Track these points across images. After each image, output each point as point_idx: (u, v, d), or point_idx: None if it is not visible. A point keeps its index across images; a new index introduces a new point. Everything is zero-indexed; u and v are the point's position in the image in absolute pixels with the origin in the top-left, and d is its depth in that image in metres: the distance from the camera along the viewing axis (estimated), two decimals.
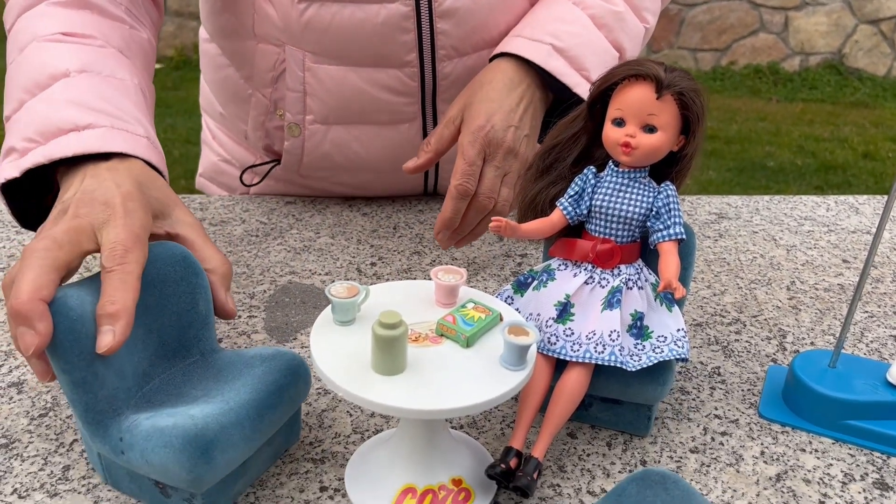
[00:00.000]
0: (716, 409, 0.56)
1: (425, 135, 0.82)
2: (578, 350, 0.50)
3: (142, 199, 0.51)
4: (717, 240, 0.82)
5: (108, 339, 0.43)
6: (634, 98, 0.50)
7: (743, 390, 0.58)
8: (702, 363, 0.62)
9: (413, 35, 0.74)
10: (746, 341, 0.64)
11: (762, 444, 0.53)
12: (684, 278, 0.55)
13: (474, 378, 0.42)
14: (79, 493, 0.47)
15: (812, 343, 0.64)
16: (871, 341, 0.65)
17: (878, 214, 0.90)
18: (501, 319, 0.48)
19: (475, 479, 0.48)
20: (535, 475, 0.47)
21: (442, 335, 0.46)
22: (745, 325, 0.67)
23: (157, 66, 4.61)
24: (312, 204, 0.88)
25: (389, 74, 0.77)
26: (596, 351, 0.49)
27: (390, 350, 0.41)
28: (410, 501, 0.46)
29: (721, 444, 0.53)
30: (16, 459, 0.50)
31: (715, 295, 0.71)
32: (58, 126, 0.56)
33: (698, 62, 4.61)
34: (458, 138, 0.70)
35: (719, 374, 0.60)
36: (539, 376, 0.50)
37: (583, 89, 0.71)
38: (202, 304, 0.50)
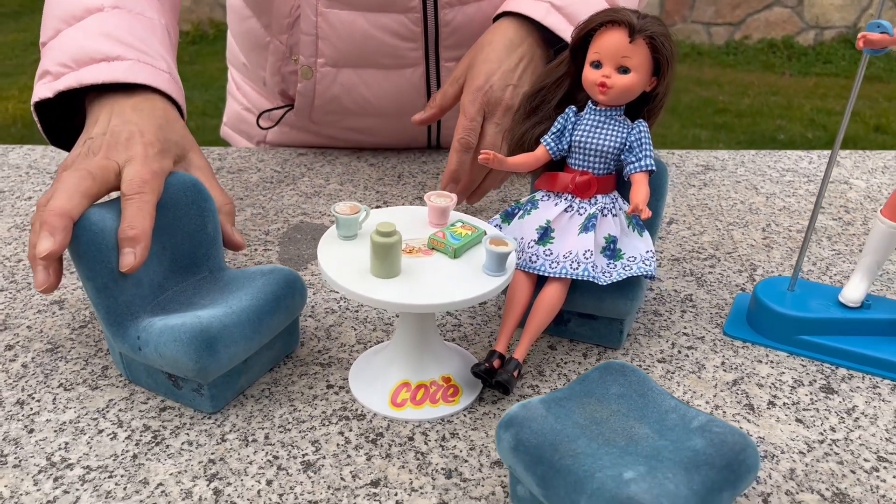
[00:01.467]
0: (685, 328, 0.62)
1: (428, 80, 0.88)
2: (556, 267, 0.56)
3: (162, 145, 0.58)
4: (701, 188, 0.88)
5: (129, 259, 0.50)
6: (610, 42, 0.55)
7: (711, 314, 0.64)
8: (675, 291, 0.67)
9: None
10: (720, 273, 0.70)
11: (723, 356, 0.59)
12: (656, 206, 0.60)
13: (459, 281, 0.49)
14: (116, 387, 0.54)
15: (780, 276, 0.70)
16: (835, 274, 0.70)
17: (857, 167, 0.94)
18: (486, 235, 0.54)
19: (463, 378, 0.54)
20: (514, 374, 0.53)
21: (433, 248, 0.52)
22: (719, 261, 0.72)
23: None
24: (323, 155, 0.94)
25: (394, 19, 0.82)
26: (571, 267, 0.55)
27: (386, 256, 0.48)
28: (405, 394, 0.52)
29: (686, 356, 0.59)
30: (60, 361, 0.56)
31: (694, 235, 0.77)
32: (90, 55, 0.62)
33: (712, 36, 4.60)
34: (461, 97, 0.75)
35: (691, 301, 0.66)
36: (521, 290, 0.56)
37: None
38: (210, 227, 0.56)
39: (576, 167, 0.58)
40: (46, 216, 0.49)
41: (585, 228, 0.57)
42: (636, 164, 0.57)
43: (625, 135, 0.57)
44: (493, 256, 0.49)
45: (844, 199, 0.86)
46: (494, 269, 0.49)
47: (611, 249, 0.57)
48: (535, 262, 0.56)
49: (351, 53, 0.85)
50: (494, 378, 0.52)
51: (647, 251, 0.57)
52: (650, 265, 0.56)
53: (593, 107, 0.58)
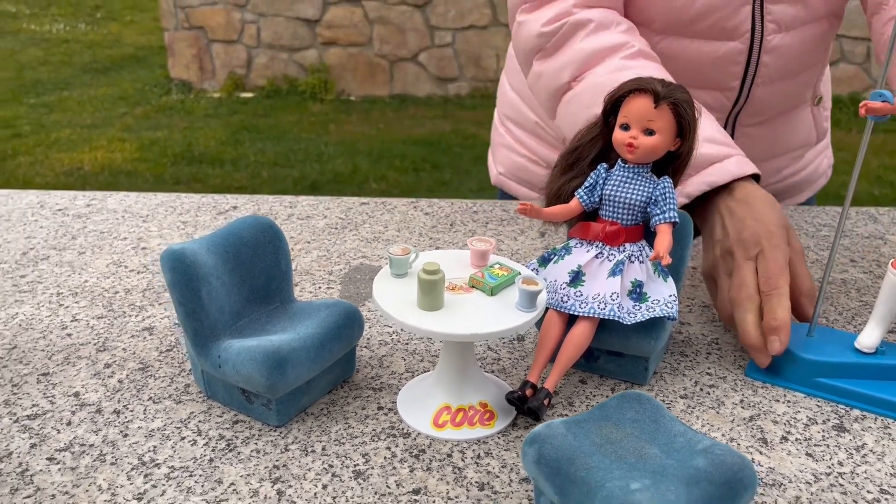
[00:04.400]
0: (708, 369, 0.67)
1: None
2: (585, 307, 0.62)
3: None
4: None
5: (775, 346, 0.62)
6: (637, 107, 0.62)
7: (735, 356, 0.69)
8: (703, 335, 0.72)
9: (742, 66, 0.90)
10: None
11: (742, 395, 0.63)
12: (682, 255, 0.66)
13: (494, 315, 0.55)
14: (196, 401, 0.62)
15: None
16: (860, 324, 0.74)
17: (894, 223, 0.98)
18: (519, 276, 0.60)
19: (498, 404, 0.60)
20: (545, 402, 0.59)
21: (473, 286, 0.59)
22: None
23: (249, 94, 4.95)
24: (383, 204, 1.03)
25: (711, 94, 0.93)
26: (599, 308, 0.61)
27: (431, 291, 0.55)
28: (446, 416, 0.59)
29: (707, 393, 0.64)
30: (150, 378, 0.65)
31: None
32: (704, 159, 0.73)
33: None
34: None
35: (717, 344, 0.71)
36: (553, 327, 0.62)
37: None
38: (283, 264, 0.65)
39: (606, 218, 0.65)
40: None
41: (613, 273, 0.63)
42: (661, 216, 0.63)
43: (651, 189, 0.63)
44: (524, 294, 0.56)
45: (878, 253, 0.89)
46: (526, 306, 0.56)
47: (637, 293, 0.63)
48: (567, 301, 0.63)
49: None
50: (526, 405, 0.58)
51: (671, 295, 0.63)
52: (672, 307, 0.62)
53: (623, 164, 0.65)
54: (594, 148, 0.67)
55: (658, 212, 0.63)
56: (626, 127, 0.63)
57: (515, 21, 0.92)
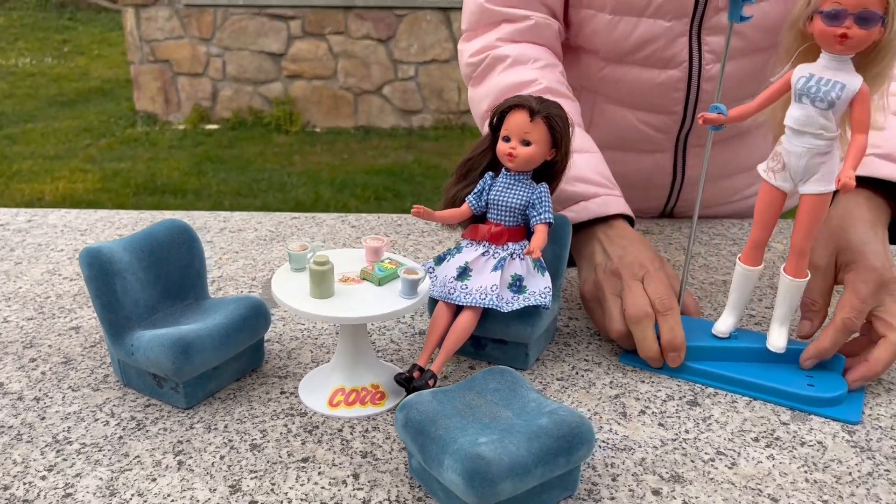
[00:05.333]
0: (586, 356, 0.74)
1: (675, 164, 1.05)
2: (468, 298, 0.69)
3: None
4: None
5: (677, 362, 0.69)
6: (515, 121, 0.70)
7: (612, 346, 0.76)
8: (588, 328, 0.79)
9: (683, 93, 0.96)
10: None
11: (613, 377, 0.70)
12: (560, 253, 0.74)
13: (379, 301, 0.62)
14: (113, 389, 0.68)
15: None
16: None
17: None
18: (402, 267, 0.67)
19: (390, 386, 0.66)
20: (430, 382, 0.65)
21: (363, 278, 0.66)
22: None
23: (214, 126, 5.02)
24: (313, 218, 1.09)
25: (658, 118, 1.00)
26: (480, 298, 0.68)
27: (321, 281, 0.61)
28: (340, 397, 0.65)
29: (582, 376, 0.70)
30: (72, 370, 0.70)
31: None
32: (569, 197, 0.79)
33: None
34: (832, 287, 0.72)
35: (598, 336, 0.78)
36: (441, 317, 0.69)
37: None
38: (197, 263, 0.71)
39: (492, 220, 0.72)
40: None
41: (496, 268, 0.70)
42: (537, 217, 0.70)
43: (529, 194, 0.71)
44: (405, 283, 0.62)
45: None
46: (407, 293, 0.63)
47: (517, 285, 0.70)
48: (453, 293, 0.69)
49: (614, 139, 1.02)
50: (412, 385, 0.65)
51: (546, 287, 0.70)
52: (545, 298, 0.69)
53: (506, 172, 0.72)
54: (485, 158, 0.75)
55: (535, 213, 0.70)
56: (507, 139, 0.70)
57: (458, 48, 1.00)
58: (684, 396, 0.67)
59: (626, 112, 1.00)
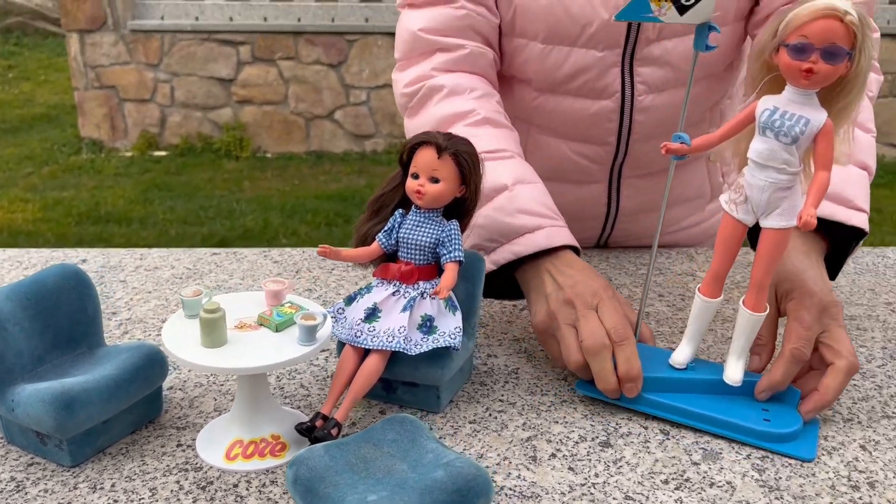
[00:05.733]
0: (502, 396, 0.72)
1: (609, 195, 1.04)
2: (375, 341, 0.66)
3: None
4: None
5: (634, 392, 0.68)
6: (423, 158, 0.68)
7: (529, 384, 0.74)
8: (506, 365, 0.77)
9: (616, 123, 0.95)
10: None
11: (526, 418, 0.68)
12: (472, 291, 0.72)
13: (275, 350, 0.59)
14: None
15: None
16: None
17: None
18: (299, 312, 0.64)
19: (292, 436, 0.64)
20: (332, 431, 0.62)
21: (261, 324, 0.63)
22: None
23: (163, 153, 4.93)
24: (234, 254, 1.06)
25: (591, 148, 0.98)
26: (387, 341, 0.66)
27: (212, 329, 0.58)
28: (237, 449, 0.62)
29: (495, 418, 0.68)
30: None
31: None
32: (514, 230, 0.78)
33: None
34: (776, 319, 0.72)
35: (515, 374, 0.76)
36: (347, 361, 0.67)
37: (857, 219, 0.78)
38: (90, 309, 0.67)
39: (403, 259, 0.70)
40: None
41: (405, 309, 0.68)
42: (447, 256, 0.68)
43: (439, 232, 0.69)
44: (302, 329, 0.60)
45: (686, 288, 0.97)
46: (305, 340, 0.60)
47: (427, 326, 0.68)
48: (360, 336, 0.67)
49: (548, 170, 0.98)
50: (313, 434, 0.62)
51: (456, 327, 0.68)
52: (455, 338, 0.67)
53: (416, 209, 0.70)
54: (396, 195, 0.73)
55: (445, 252, 0.69)
56: (415, 176, 0.69)
57: (392, 77, 0.97)
58: (597, 437, 0.66)
59: (560, 143, 0.99)
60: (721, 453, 0.64)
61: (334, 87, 4.98)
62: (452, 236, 0.69)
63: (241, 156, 4.92)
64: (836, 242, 0.80)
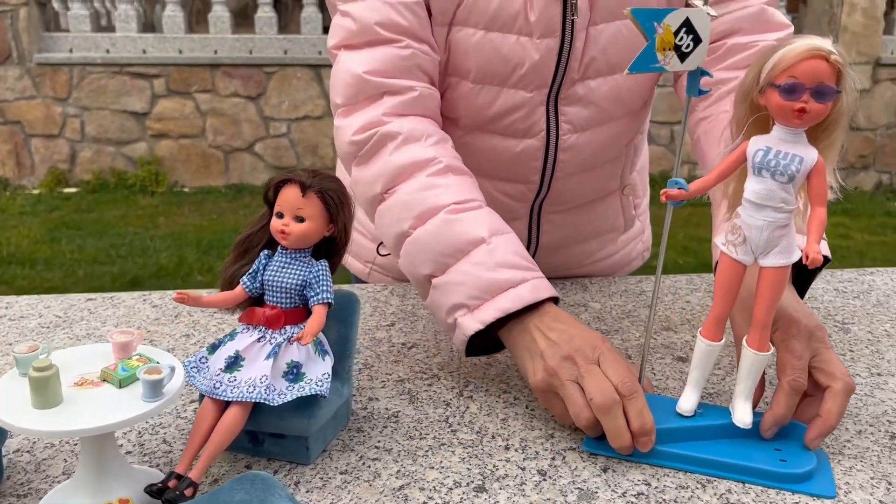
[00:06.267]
0: (378, 442, 0.69)
1: (529, 231, 1.03)
2: (235, 392, 0.62)
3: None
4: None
5: (648, 447, 0.65)
6: (287, 197, 0.65)
7: (408, 428, 0.71)
8: (387, 409, 0.74)
9: (540, 162, 0.94)
10: (434, 391, 0.78)
11: (401, 465, 0.65)
12: (346, 333, 0.69)
13: (114, 409, 0.55)
14: None
15: None
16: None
17: (692, 291, 1.07)
18: (143, 366, 0.60)
19: (144, 499, 0.59)
20: (186, 491, 0.58)
21: (104, 380, 0.58)
22: (439, 379, 0.80)
23: (73, 189, 4.74)
24: (111, 300, 1.00)
25: (514, 186, 0.97)
26: (248, 391, 0.62)
27: (43, 388, 0.54)
28: None
29: (368, 466, 0.65)
30: None
31: (429, 357, 0.85)
32: (498, 285, 0.74)
33: None
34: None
35: (396, 418, 0.73)
36: (206, 415, 0.62)
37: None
38: None
39: (269, 302, 0.67)
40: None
41: (269, 356, 0.64)
42: (315, 298, 0.65)
43: (306, 273, 0.66)
44: (145, 384, 0.56)
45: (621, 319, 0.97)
46: (149, 396, 0.56)
47: (293, 374, 0.64)
48: (219, 388, 0.63)
49: None
50: (164, 497, 0.57)
51: (324, 374, 0.65)
52: (322, 386, 0.64)
53: (282, 251, 0.67)
54: (264, 235, 0.69)
55: (313, 294, 0.66)
56: (280, 215, 0.66)
57: (334, 124, 0.90)
58: (472, 482, 0.63)
59: (484, 181, 0.95)
60: (597, 492, 0.62)
61: (253, 120, 4.90)
62: (321, 277, 0.66)
63: (157, 191, 4.77)
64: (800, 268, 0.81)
